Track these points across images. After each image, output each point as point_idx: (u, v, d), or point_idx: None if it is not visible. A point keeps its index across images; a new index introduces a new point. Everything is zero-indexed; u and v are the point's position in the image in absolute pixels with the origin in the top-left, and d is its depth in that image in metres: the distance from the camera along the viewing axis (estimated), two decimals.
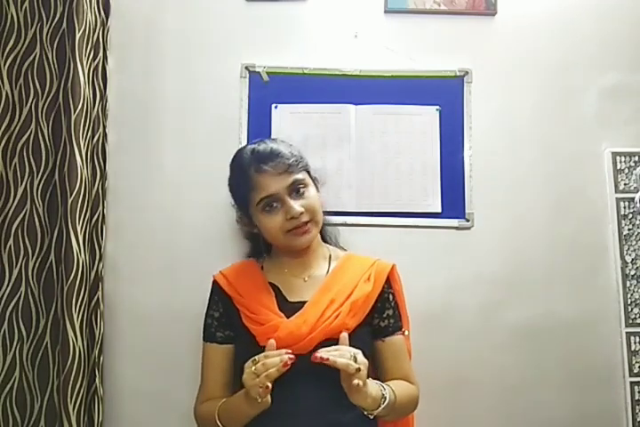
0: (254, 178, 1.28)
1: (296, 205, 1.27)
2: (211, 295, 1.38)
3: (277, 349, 1.16)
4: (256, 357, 1.13)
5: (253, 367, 1.11)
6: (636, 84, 1.68)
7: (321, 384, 1.20)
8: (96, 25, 1.57)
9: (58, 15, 1.53)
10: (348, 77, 1.65)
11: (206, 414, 1.28)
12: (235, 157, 1.36)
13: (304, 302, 1.28)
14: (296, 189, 1.30)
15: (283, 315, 1.26)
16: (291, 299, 1.30)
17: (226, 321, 1.34)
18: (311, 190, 1.32)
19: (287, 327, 1.22)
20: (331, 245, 1.46)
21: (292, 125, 1.63)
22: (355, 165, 1.60)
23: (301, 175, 1.31)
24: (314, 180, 1.37)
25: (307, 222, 1.29)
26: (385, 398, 1.16)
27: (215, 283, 1.37)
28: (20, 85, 1.53)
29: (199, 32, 1.67)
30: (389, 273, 1.36)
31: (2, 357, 1.43)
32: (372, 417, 1.17)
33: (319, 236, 1.40)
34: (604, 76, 1.69)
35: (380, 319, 1.33)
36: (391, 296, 1.36)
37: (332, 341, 1.19)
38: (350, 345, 1.17)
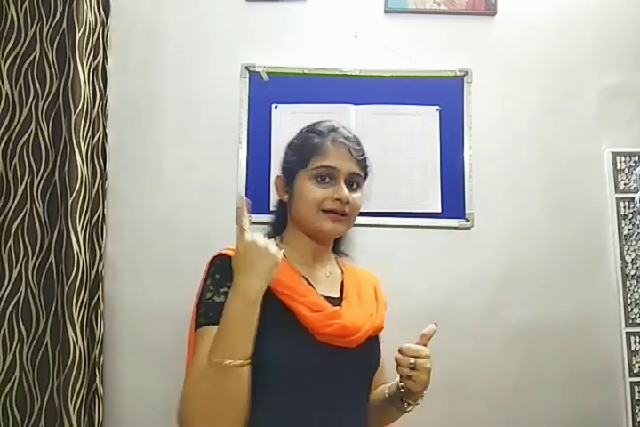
0: (326, 145, 1.20)
1: (347, 192, 1.19)
2: (218, 271, 1.14)
3: (334, 338, 1.10)
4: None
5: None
6: (635, 84, 1.68)
7: (354, 383, 1.16)
8: (96, 25, 1.57)
9: (58, 15, 1.54)
10: (348, 77, 1.65)
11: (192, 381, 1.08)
12: (310, 124, 1.29)
13: (333, 298, 1.19)
14: (351, 182, 1.21)
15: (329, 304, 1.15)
16: (321, 292, 1.18)
17: None
18: (360, 194, 1.24)
19: (350, 316, 1.14)
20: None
21: (292, 125, 1.60)
22: None
23: (362, 175, 1.24)
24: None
25: (344, 215, 1.19)
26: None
27: (226, 258, 1.13)
28: (19, 85, 1.53)
29: (199, 32, 1.67)
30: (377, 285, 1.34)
31: (2, 357, 1.44)
32: (409, 410, 1.19)
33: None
34: (603, 76, 1.69)
35: None
36: None
37: (373, 339, 1.19)
38: (373, 350, 1.20)
